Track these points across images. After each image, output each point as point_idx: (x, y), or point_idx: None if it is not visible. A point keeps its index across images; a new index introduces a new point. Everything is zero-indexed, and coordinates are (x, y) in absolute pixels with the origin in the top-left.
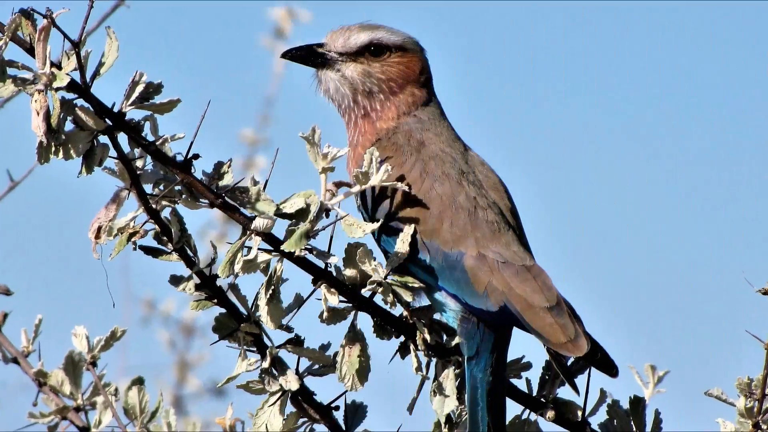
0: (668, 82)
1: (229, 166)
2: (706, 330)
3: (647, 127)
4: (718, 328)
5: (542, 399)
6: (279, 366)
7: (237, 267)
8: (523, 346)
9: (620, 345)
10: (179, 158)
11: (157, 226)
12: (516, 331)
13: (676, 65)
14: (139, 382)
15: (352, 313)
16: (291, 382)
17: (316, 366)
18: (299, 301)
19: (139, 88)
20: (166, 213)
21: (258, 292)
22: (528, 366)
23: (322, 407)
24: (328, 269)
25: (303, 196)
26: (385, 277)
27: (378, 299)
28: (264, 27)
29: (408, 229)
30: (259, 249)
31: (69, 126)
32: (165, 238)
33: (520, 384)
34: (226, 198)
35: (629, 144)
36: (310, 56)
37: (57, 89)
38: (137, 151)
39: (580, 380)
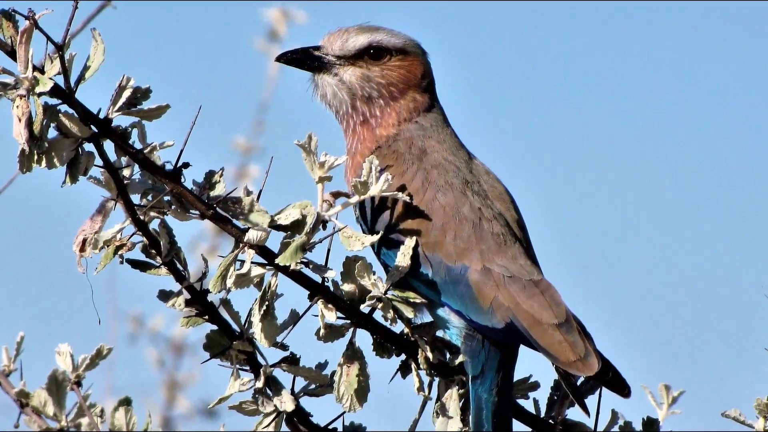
0: (686, 85)
1: (221, 175)
2: (722, 348)
3: (663, 133)
4: (736, 346)
5: (551, 420)
6: (273, 386)
7: (229, 281)
8: (530, 364)
9: (632, 364)
10: (168, 167)
11: (145, 239)
12: (523, 349)
13: (693, 67)
14: (126, 402)
15: (351, 330)
16: (286, 403)
17: (313, 386)
18: (295, 318)
19: (126, 93)
20: (154, 225)
21: (251, 308)
22: (536, 386)
23: (319, 429)
24: (326, 284)
25: (299, 207)
26: (385, 293)
27: (378, 315)
28: (257, 29)
29: (409, 242)
30: (252, 263)
31: (52, 133)
32: (153, 251)
33: (528, 405)
34: (217, 209)
35: (643, 150)
36: (306, 59)
37: (40, 94)
38: (124, 160)
39: (591, 401)
